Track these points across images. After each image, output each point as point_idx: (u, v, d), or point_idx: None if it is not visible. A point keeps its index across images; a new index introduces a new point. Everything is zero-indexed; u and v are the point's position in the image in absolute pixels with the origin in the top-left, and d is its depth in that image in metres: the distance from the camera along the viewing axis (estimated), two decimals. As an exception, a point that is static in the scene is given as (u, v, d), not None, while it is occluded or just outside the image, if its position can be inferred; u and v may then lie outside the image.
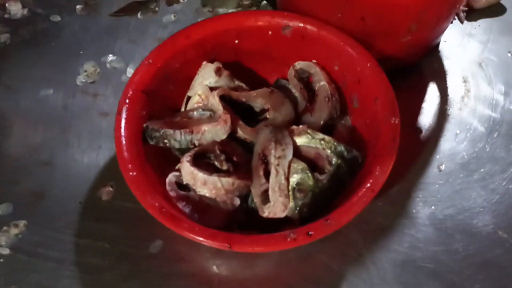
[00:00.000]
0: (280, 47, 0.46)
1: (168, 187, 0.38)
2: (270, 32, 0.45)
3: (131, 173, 0.36)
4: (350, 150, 0.39)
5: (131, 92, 0.40)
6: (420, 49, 0.51)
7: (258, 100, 0.43)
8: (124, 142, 0.38)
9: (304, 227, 0.34)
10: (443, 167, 0.46)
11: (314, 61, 0.45)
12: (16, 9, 0.57)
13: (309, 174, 0.37)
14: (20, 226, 0.42)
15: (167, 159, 0.41)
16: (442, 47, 0.55)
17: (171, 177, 0.39)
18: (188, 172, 0.38)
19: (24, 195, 0.45)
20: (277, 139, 0.38)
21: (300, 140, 0.39)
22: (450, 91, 0.52)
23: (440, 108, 0.50)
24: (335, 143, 0.39)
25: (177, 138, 0.39)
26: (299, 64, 0.46)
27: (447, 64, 0.54)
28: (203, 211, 0.38)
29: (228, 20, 0.45)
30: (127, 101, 0.40)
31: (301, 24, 0.44)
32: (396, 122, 0.38)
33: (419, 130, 0.48)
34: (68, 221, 0.43)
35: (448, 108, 0.50)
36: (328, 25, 0.44)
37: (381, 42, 0.46)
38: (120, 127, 0.39)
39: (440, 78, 0.52)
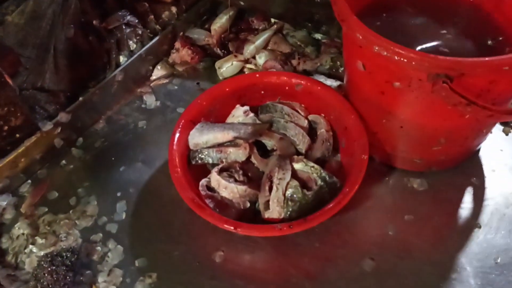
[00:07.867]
0: (294, 99, 0.63)
1: (200, 188, 0.55)
2: (287, 88, 0.62)
3: (176, 174, 0.54)
4: (331, 176, 0.54)
5: (183, 121, 0.59)
6: (452, 157, 0.59)
7: (270, 141, 0.58)
8: (175, 154, 0.55)
9: (288, 223, 0.49)
10: (499, 260, 0.52)
11: (322, 115, 0.61)
12: (150, 101, 0.72)
13: (300, 190, 0.52)
14: (153, 277, 0.53)
15: (203, 171, 0.58)
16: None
17: (203, 181, 0.56)
18: (215, 179, 0.54)
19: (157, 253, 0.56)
20: (281, 165, 0.54)
21: (297, 166, 0.55)
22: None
23: (496, 208, 0.57)
24: (321, 170, 0.54)
25: (210, 155, 0.56)
26: (310, 117, 0.62)
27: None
28: (223, 207, 0.54)
29: (257, 78, 0.64)
30: (180, 126, 0.58)
31: (309, 84, 0.61)
32: (365, 158, 0.53)
33: (478, 225, 0.55)
34: (189, 277, 0.53)
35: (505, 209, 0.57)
36: (326, 86, 0.61)
37: (417, 147, 0.56)
38: (173, 143, 0.56)
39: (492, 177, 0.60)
